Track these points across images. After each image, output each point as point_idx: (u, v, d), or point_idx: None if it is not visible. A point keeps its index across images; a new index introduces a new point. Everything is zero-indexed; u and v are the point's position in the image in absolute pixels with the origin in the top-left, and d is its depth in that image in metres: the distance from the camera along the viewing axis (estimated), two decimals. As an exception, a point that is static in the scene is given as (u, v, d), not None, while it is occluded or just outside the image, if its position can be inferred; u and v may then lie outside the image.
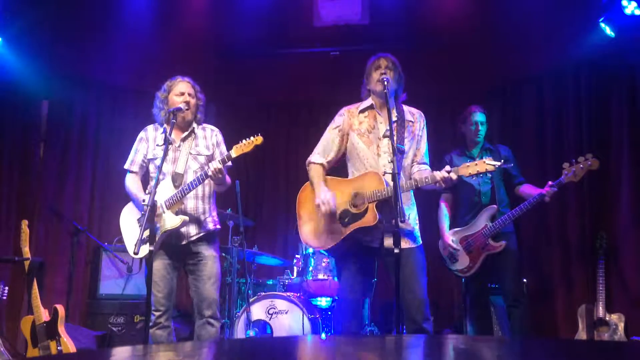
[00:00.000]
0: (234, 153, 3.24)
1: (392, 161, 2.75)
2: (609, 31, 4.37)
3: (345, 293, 3.13)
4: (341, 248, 3.09)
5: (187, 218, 3.29)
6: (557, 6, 4.38)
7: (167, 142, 3.19)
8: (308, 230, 3.17)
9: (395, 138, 3.08)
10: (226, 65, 5.34)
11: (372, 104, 3.17)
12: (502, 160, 2.91)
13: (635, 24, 4.22)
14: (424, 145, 3.24)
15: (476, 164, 2.87)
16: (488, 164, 2.85)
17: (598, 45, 4.57)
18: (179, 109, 3.32)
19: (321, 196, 3.02)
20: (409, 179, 3.13)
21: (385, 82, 2.99)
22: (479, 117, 4.19)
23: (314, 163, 3.22)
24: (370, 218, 2.96)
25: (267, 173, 6.37)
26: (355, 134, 3.16)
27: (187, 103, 3.38)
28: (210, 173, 3.19)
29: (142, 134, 3.53)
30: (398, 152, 3.05)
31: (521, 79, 5.41)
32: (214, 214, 3.51)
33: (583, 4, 4.41)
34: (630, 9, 4.15)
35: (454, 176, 2.88)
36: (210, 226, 3.43)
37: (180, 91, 3.42)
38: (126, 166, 3.52)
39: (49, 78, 5.29)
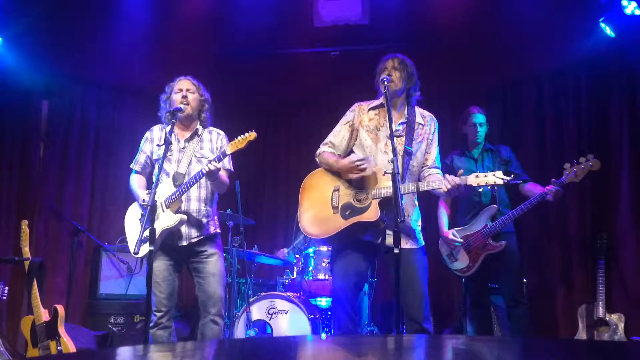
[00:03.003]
0: (228, 150, 3.26)
1: (392, 161, 2.75)
2: (609, 31, 4.37)
3: (338, 280, 3.12)
4: (339, 239, 3.09)
5: (185, 217, 3.28)
6: (557, 6, 4.38)
7: (167, 141, 3.19)
8: (308, 218, 3.17)
9: (403, 139, 3.10)
10: (226, 65, 5.34)
11: (382, 103, 3.17)
12: (512, 176, 2.92)
13: (635, 24, 4.22)
14: (435, 149, 3.24)
15: (486, 176, 2.89)
16: (498, 177, 2.86)
17: (598, 45, 4.57)
18: (179, 109, 3.32)
19: (352, 157, 3.02)
20: (416, 181, 3.14)
21: (385, 82, 2.99)
22: (478, 118, 4.19)
23: (325, 152, 3.22)
24: (372, 214, 2.96)
25: (267, 173, 6.38)
26: (364, 130, 3.17)
27: (185, 98, 3.38)
28: (205, 170, 3.17)
29: (147, 134, 3.53)
30: (405, 154, 3.06)
31: (521, 79, 5.41)
32: (215, 217, 3.51)
33: (583, 4, 4.41)
34: (630, 9, 4.15)
35: (458, 180, 2.88)
36: (212, 229, 3.43)
37: (179, 88, 3.43)
38: (132, 165, 3.54)
39: (49, 78, 5.29)
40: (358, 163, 2.98)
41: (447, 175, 2.91)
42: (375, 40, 4.90)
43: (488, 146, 4.22)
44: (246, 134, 3.26)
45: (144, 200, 3.26)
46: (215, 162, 3.18)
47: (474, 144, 4.22)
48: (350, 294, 3.11)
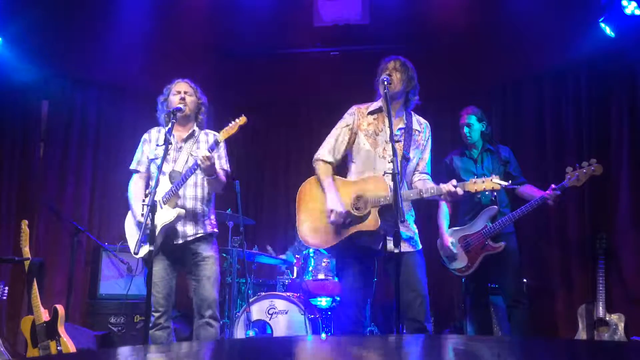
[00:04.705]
0: (221, 137, 3.29)
1: (392, 161, 2.75)
2: (609, 31, 4.36)
3: (347, 295, 3.13)
4: (340, 249, 3.09)
5: (183, 211, 3.30)
6: (557, 6, 4.38)
7: (167, 141, 3.19)
8: (307, 227, 3.16)
9: (401, 144, 3.09)
10: (226, 65, 5.34)
11: (381, 107, 3.16)
12: (510, 181, 2.91)
13: (635, 24, 4.22)
14: (427, 155, 3.24)
15: (483, 182, 2.89)
16: (495, 182, 2.86)
17: (598, 45, 4.56)
18: (178, 109, 3.33)
19: (334, 205, 2.99)
20: (410, 186, 3.14)
21: (385, 82, 2.98)
22: (467, 119, 4.20)
23: (324, 161, 3.20)
24: (372, 222, 2.96)
25: (267, 173, 6.38)
26: (363, 135, 3.16)
27: (183, 100, 3.41)
28: (199, 161, 3.19)
29: (145, 136, 3.55)
30: (404, 159, 3.06)
31: (521, 79, 5.41)
32: (212, 217, 3.51)
33: (583, 4, 4.41)
34: (630, 9, 4.15)
35: (459, 191, 2.88)
36: (208, 228, 3.44)
37: (177, 90, 3.46)
38: (132, 167, 3.52)
39: (49, 78, 5.30)
40: (331, 216, 2.97)
41: (442, 185, 2.91)
42: (375, 41, 4.90)
43: (488, 147, 4.22)
44: (236, 120, 3.30)
45: (143, 201, 3.26)
46: (209, 151, 3.20)
47: (468, 145, 4.23)
48: (358, 307, 3.10)
